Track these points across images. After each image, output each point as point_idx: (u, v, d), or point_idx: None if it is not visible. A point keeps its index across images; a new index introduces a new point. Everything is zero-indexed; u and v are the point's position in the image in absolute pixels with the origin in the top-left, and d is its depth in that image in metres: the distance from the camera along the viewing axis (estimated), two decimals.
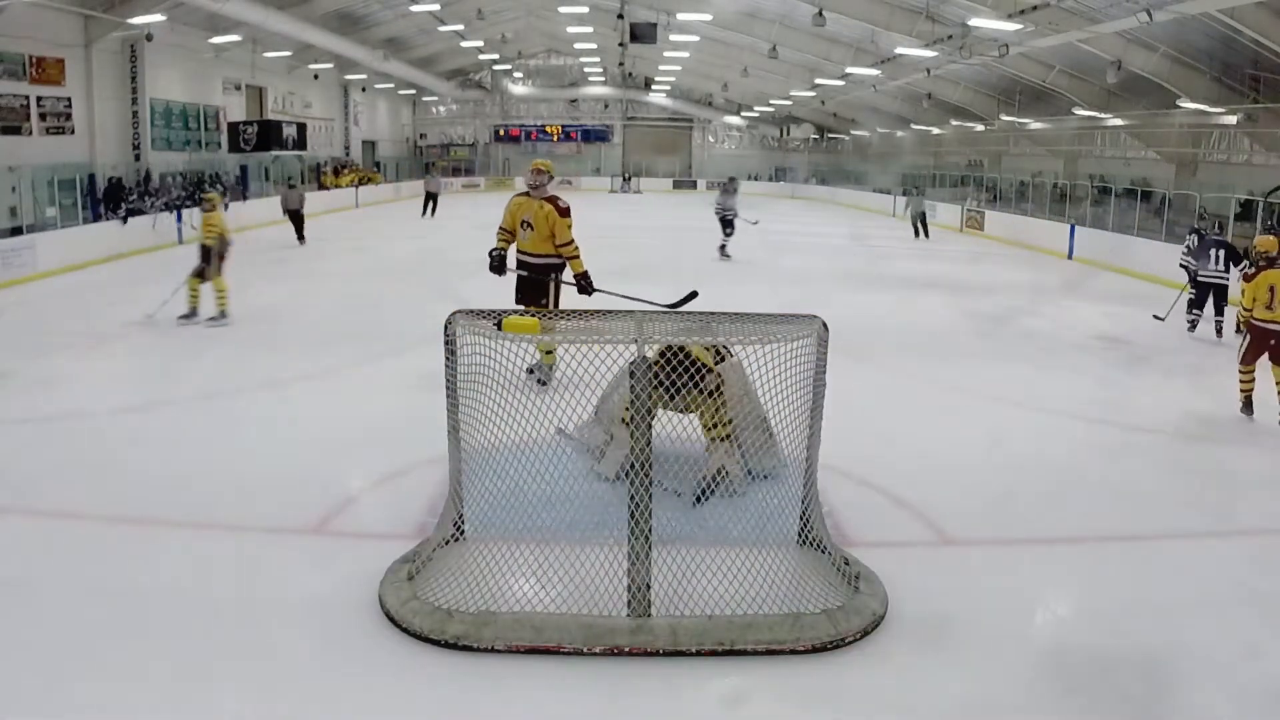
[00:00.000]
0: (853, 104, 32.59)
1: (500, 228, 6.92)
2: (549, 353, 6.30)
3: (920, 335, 9.73)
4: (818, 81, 27.74)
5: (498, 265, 6.80)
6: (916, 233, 21.37)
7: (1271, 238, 7.01)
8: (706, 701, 3.19)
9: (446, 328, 3.87)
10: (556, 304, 6.73)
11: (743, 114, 40.82)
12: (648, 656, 3.36)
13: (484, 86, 41.13)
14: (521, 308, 6.38)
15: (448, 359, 3.88)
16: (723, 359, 4.71)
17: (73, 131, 17.69)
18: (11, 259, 12.44)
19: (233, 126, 23.70)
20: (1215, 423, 6.78)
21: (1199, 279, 10.00)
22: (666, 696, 3.20)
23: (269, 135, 23.90)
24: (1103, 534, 4.62)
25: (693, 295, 5.84)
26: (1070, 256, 17.78)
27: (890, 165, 33.62)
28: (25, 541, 4.29)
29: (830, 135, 40.64)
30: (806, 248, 18.88)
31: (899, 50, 20.18)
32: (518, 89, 41.50)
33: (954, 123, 28.57)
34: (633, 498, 3.45)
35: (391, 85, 35.04)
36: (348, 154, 32.75)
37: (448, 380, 3.91)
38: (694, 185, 41.02)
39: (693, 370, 4.00)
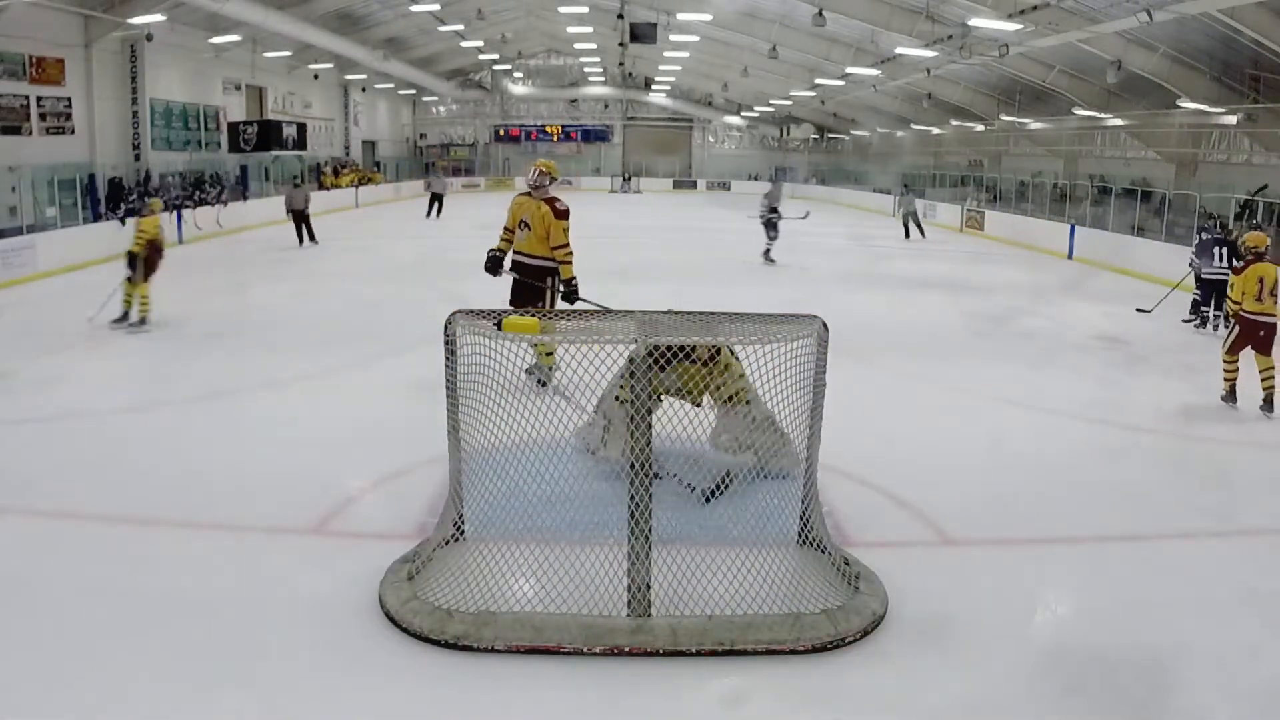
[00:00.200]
0: (853, 104, 32.59)
1: (504, 227, 6.91)
2: (548, 354, 6.28)
3: (920, 335, 9.73)
4: (818, 81, 27.75)
5: (491, 265, 6.77)
6: (908, 233, 21.04)
7: (1260, 234, 7.33)
8: (706, 701, 3.19)
9: (446, 328, 3.87)
10: (553, 307, 6.66)
11: (743, 114, 40.82)
12: (648, 656, 3.36)
13: (484, 86, 41.14)
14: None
15: (448, 359, 3.88)
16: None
17: (73, 131, 17.70)
18: (11, 259, 12.44)
19: (233, 126, 23.71)
20: (1215, 423, 6.78)
21: (1202, 276, 10.14)
22: (666, 696, 3.20)
23: (269, 135, 23.91)
24: (1103, 534, 4.62)
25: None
26: (1070, 256, 17.79)
27: (890, 165, 33.63)
28: (25, 541, 4.29)
29: (830, 135, 40.65)
30: (807, 248, 18.86)
31: (899, 50, 20.18)
32: (518, 89, 41.51)
33: (954, 123, 28.58)
34: (633, 498, 3.45)
35: (391, 85, 35.05)
36: (348, 154, 32.76)
37: (448, 380, 3.92)
38: (694, 185, 41.06)
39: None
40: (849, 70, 24.00)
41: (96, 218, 16.26)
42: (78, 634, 3.43)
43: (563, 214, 6.70)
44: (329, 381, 7.43)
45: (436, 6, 24.12)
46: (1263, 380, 6.92)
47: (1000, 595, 3.94)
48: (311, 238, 17.26)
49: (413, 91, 38.44)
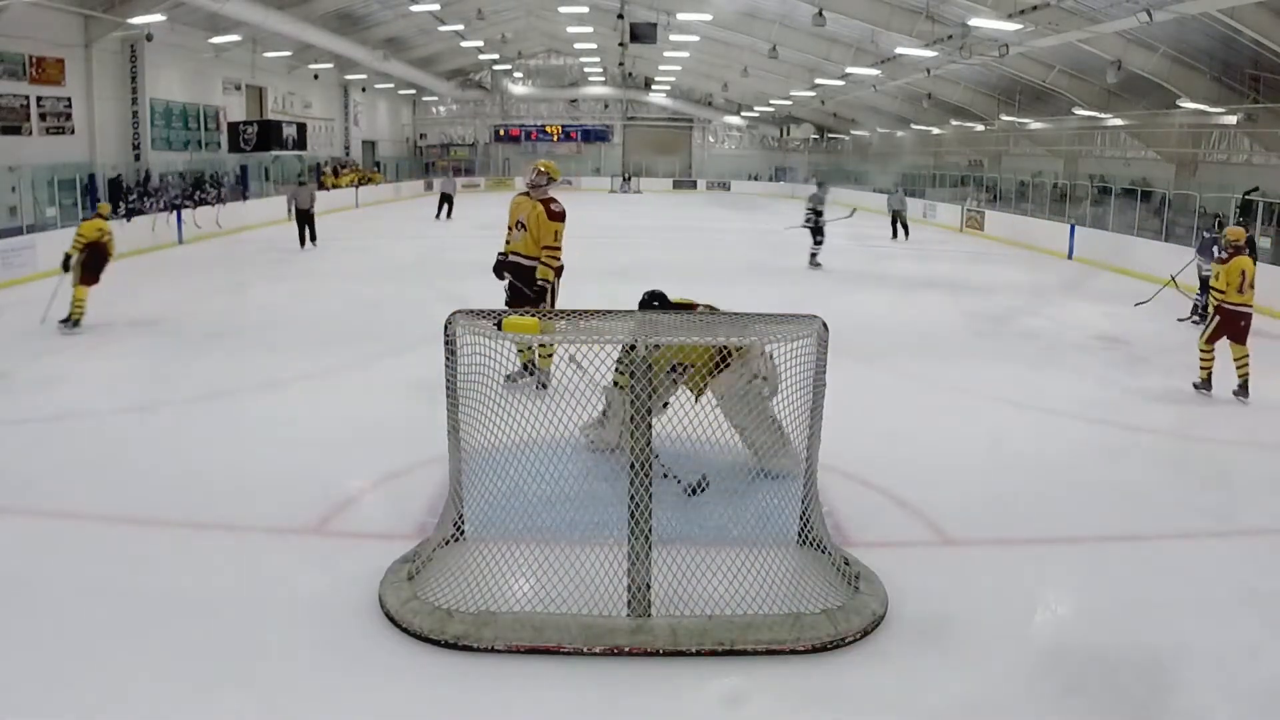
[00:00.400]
0: (853, 104, 32.59)
1: (508, 227, 6.87)
2: (547, 356, 6.23)
3: (920, 335, 9.73)
4: (818, 81, 27.75)
5: (497, 268, 6.71)
6: (895, 233, 20.68)
7: (1240, 228, 7.67)
8: (706, 701, 3.19)
9: (446, 328, 3.87)
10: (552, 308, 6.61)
11: (743, 114, 40.83)
12: (648, 656, 3.36)
13: (484, 86, 41.14)
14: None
15: (448, 359, 3.88)
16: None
17: (73, 131, 17.69)
18: (11, 259, 12.45)
19: (233, 126, 23.71)
20: (1215, 423, 6.78)
21: (1201, 274, 10.37)
22: (666, 696, 3.20)
23: (269, 135, 23.91)
24: (1103, 534, 4.62)
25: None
26: (1070, 256, 17.79)
27: (890, 165, 33.62)
28: (25, 541, 4.29)
29: (830, 135, 40.65)
30: (806, 247, 18.86)
31: (899, 50, 20.18)
32: (518, 89, 41.51)
33: (954, 123, 28.58)
34: (633, 498, 3.45)
35: (391, 85, 35.05)
36: (348, 154, 32.76)
37: (448, 380, 3.92)
38: (694, 185, 41.06)
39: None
40: (849, 70, 24.00)
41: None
42: (78, 634, 3.43)
43: (557, 216, 6.58)
44: (329, 381, 7.43)
45: (436, 6, 24.12)
46: (1238, 368, 7.24)
47: (1000, 595, 3.94)
48: (313, 239, 16.92)
49: (413, 91, 38.44)
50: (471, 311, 3.96)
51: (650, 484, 3.46)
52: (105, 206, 10.05)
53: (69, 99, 17.54)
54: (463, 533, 4.05)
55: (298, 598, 3.78)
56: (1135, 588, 4.06)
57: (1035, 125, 25.04)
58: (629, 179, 40.35)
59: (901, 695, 3.24)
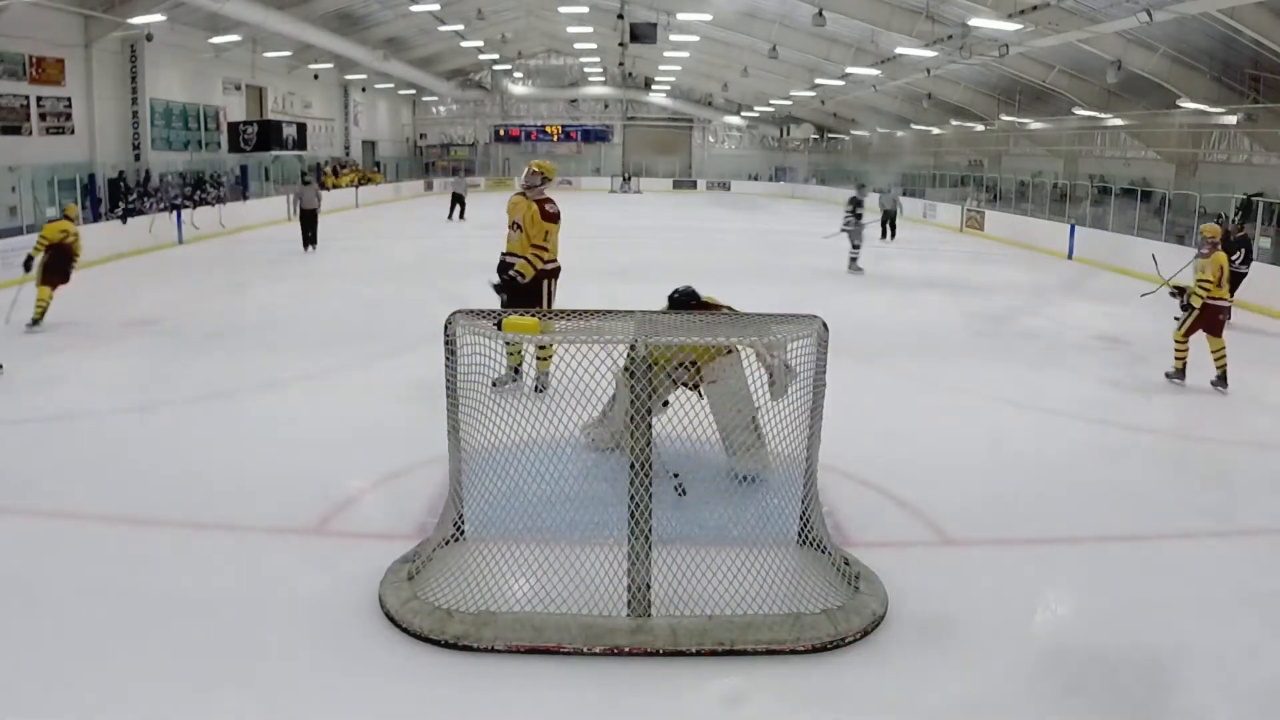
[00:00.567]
0: (853, 104, 32.60)
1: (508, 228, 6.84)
2: (545, 359, 6.18)
3: (920, 335, 9.73)
4: (818, 81, 27.76)
5: (501, 270, 6.70)
6: (884, 233, 19.89)
7: (1216, 225, 7.98)
8: (706, 701, 3.19)
9: (446, 328, 3.87)
10: (549, 309, 6.54)
11: (743, 114, 40.83)
12: (648, 656, 3.36)
13: (484, 86, 41.15)
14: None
15: (448, 359, 3.88)
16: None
17: (73, 131, 17.70)
18: (11, 259, 12.41)
19: (233, 126, 23.71)
20: (1215, 423, 6.79)
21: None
22: (666, 696, 3.20)
23: (269, 135, 23.91)
24: (1103, 534, 4.62)
25: None
26: (1070, 256, 17.79)
27: (890, 165, 33.62)
28: (25, 541, 4.29)
29: (830, 135, 40.65)
30: (806, 248, 18.86)
31: (899, 50, 20.18)
32: (518, 89, 41.51)
33: (954, 123, 28.58)
34: (633, 498, 3.45)
35: (391, 85, 35.06)
36: (348, 154, 32.77)
37: (448, 380, 3.92)
38: (694, 185, 41.07)
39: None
40: (849, 70, 24.01)
41: (96, 218, 16.26)
42: (78, 634, 3.43)
43: (550, 216, 6.52)
44: (329, 381, 7.43)
45: (436, 6, 24.12)
46: (1216, 360, 7.46)
47: (1000, 595, 3.94)
48: (313, 242, 16.42)
49: (413, 91, 38.45)
50: (471, 311, 3.96)
51: (650, 484, 3.46)
52: (72, 208, 10.04)
53: (69, 99, 17.55)
54: (463, 533, 4.05)
55: (298, 598, 3.78)
56: (1135, 588, 4.06)
57: (1035, 125, 25.05)
58: (629, 179, 40.35)
59: (901, 695, 3.24)
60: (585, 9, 24.60)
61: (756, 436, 4.59)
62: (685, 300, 5.13)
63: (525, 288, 6.55)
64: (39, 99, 16.76)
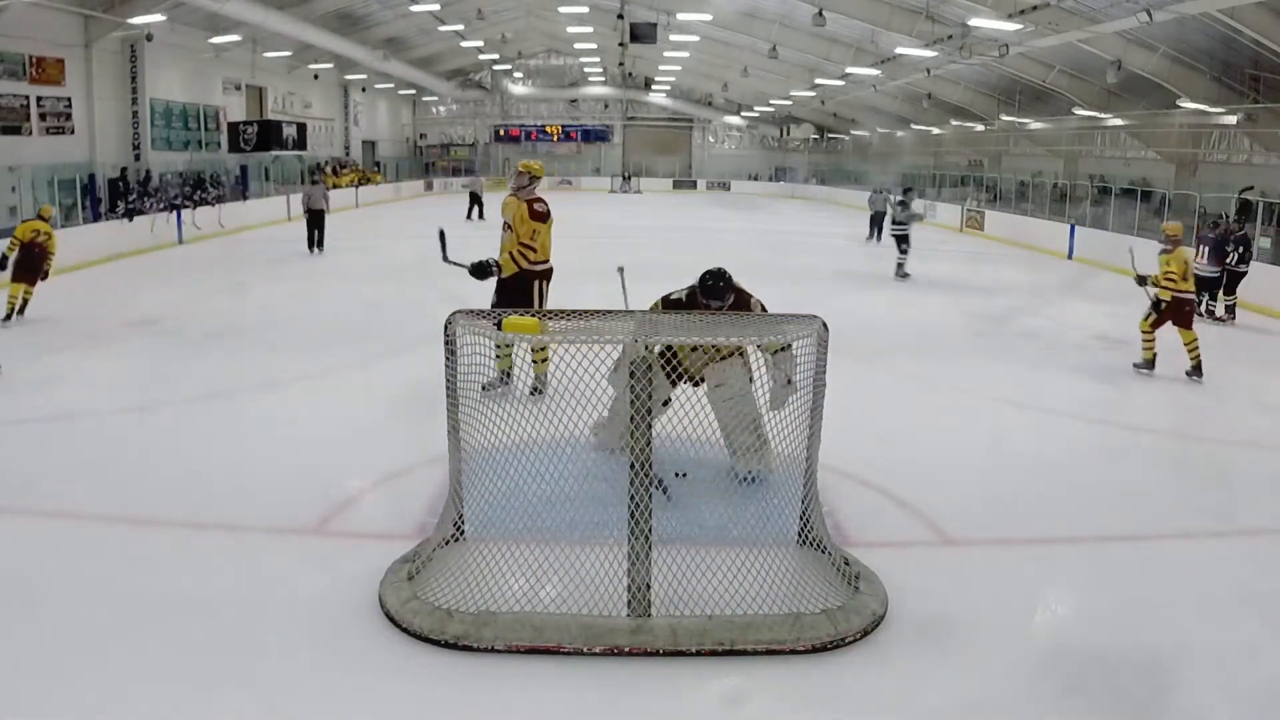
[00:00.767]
0: (853, 104, 32.60)
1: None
2: (542, 361, 6.13)
3: (920, 335, 9.73)
4: (818, 81, 27.76)
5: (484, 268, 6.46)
6: (870, 233, 19.73)
7: (1178, 224, 8.27)
8: (706, 701, 3.19)
9: (446, 328, 3.87)
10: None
11: (743, 114, 40.83)
12: (648, 656, 3.36)
13: (484, 86, 41.15)
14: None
15: (448, 359, 3.88)
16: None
17: (73, 131, 17.70)
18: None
19: (233, 126, 23.71)
20: (1215, 423, 6.78)
21: (1199, 273, 10.44)
22: (666, 696, 3.20)
23: (269, 135, 23.90)
24: (1103, 534, 4.62)
25: None
26: (1070, 256, 17.78)
27: (890, 165, 33.62)
28: (25, 541, 4.29)
29: (830, 135, 40.66)
30: (806, 248, 18.86)
31: (899, 50, 20.19)
32: (518, 89, 41.51)
33: (954, 123, 28.59)
34: (633, 498, 3.45)
35: (391, 85, 35.06)
36: (348, 154, 32.77)
37: (448, 380, 3.91)
38: (694, 185, 41.08)
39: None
40: (849, 70, 24.01)
41: (96, 218, 16.26)
42: (78, 634, 3.43)
43: (538, 216, 6.40)
44: (329, 381, 7.43)
45: (436, 6, 24.12)
46: (1189, 352, 7.73)
47: (1000, 595, 3.94)
48: (320, 244, 16.06)
49: (413, 91, 38.45)
50: (471, 311, 3.96)
51: (650, 484, 3.45)
52: (47, 209, 10.34)
53: (69, 99, 17.55)
54: (463, 533, 4.05)
55: (298, 598, 3.78)
56: (1135, 588, 4.06)
57: (1035, 125, 25.05)
58: (629, 179, 40.34)
59: (901, 695, 3.24)
60: (585, 9, 24.60)
61: (759, 437, 4.59)
62: (717, 282, 4.83)
63: (516, 290, 6.42)
64: (39, 99, 16.75)
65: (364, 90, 33.83)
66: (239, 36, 21.44)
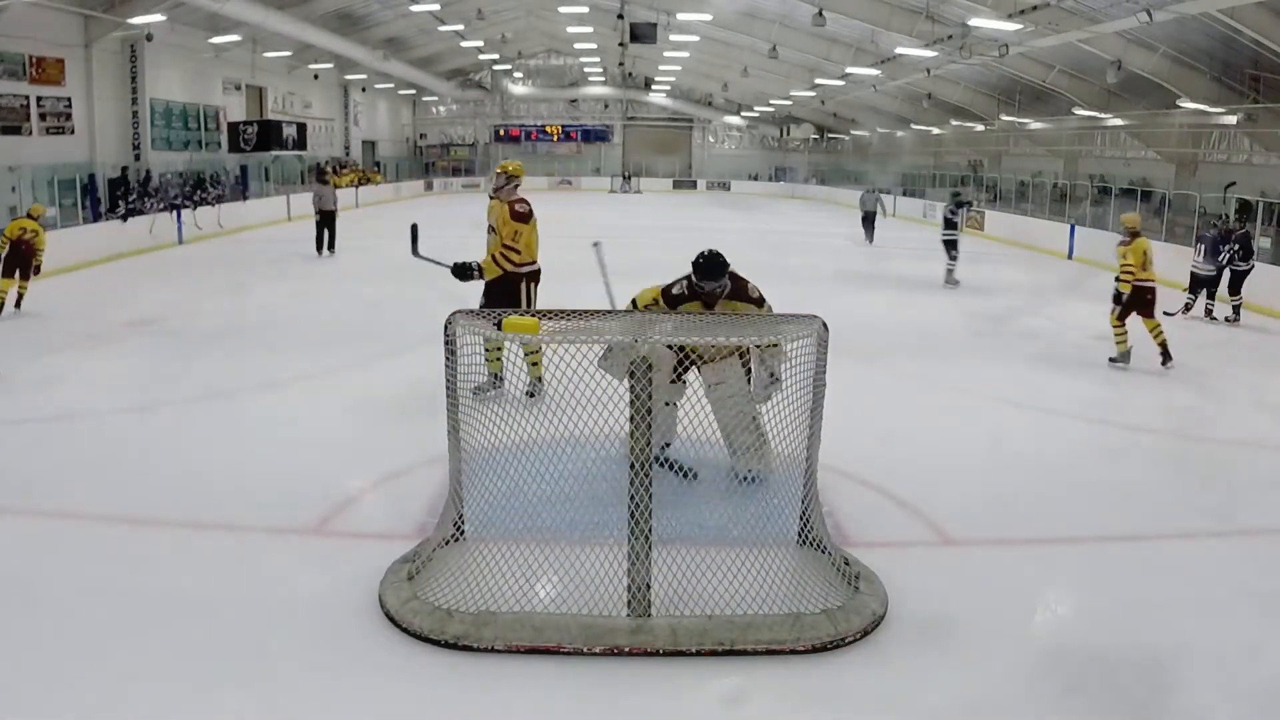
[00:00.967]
0: (853, 104, 32.60)
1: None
2: (535, 364, 6.08)
3: (920, 335, 9.73)
4: (818, 81, 27.76)
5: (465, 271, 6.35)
6: (867, 235, 19.26)
7: (1136, 215, 8.56)
8: (706, 701, 3.19)
9: (446, 328, 3.87)
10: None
11: (743, 114, 40.84)
12: (648, 656, 3.36)
13: (484, 86, 41.15)
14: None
15: (447, 359, 3.88)
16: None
17: (73, 131, 17.69)
18: None
19: (233, 126, 23.71)
20: (1215, 423, 6.78)
21: (1196, 271, 10.92)
22: (666, 696, 3.20)
23: (269, 135, 23.90)
24: (1103, 534, 4.62)
25: None
26: (1070, 256, 17.78)
27: (890, 165, 33.63)
28: (25, 541, 4.29)
29: (830, 135, 40.65)
30: (806, 248, 18.85)
31: (899, 50, 20.18)
32: (518, 89, 41.52)
33: (954, 123, 28.58)
34: (633, 498, 3.45)
35: (391, 85, 35.06)
36: (348, 154, 32.77)
37: (448, 380, 3.92)
38: (694, 185, 41.09)
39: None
40: (849, 70, 24.01)
41: (96, 217, 16.26)
42: (78, 634, 3.43)
43: (520, 216, 6.31)
44: (329, 381, 7.43)
45: (436, 6, 24.12)
46: (1155, 338, 8.01)
47: (1000, 595, 3.94)
48: (330, 247, 15.76)
49: (413, 91, 38.45)
50: (471, 311, 3.96)
51: (650, 484, 3.45)
52: (36, 208, 10.71)
53: (69, 99, 17.54)
54: (463, 533, 4.05)
55: (298, 598, 3.78)
56: (1135, 588, 4.06)
57: (1035, 125, 25.04)
58: (629, 179, 40.35)
59: (901, 695, 3.24)
60: (585, 9, 24.60)
61: (758, 436, 4.59)
62: (710, 261, 4.68)
63: (502, 293, 6.35)
64: (39, 99, 16.75)
65: (364, 90, 33.83)
66: (239, 36, 21.43)
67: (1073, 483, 5.32)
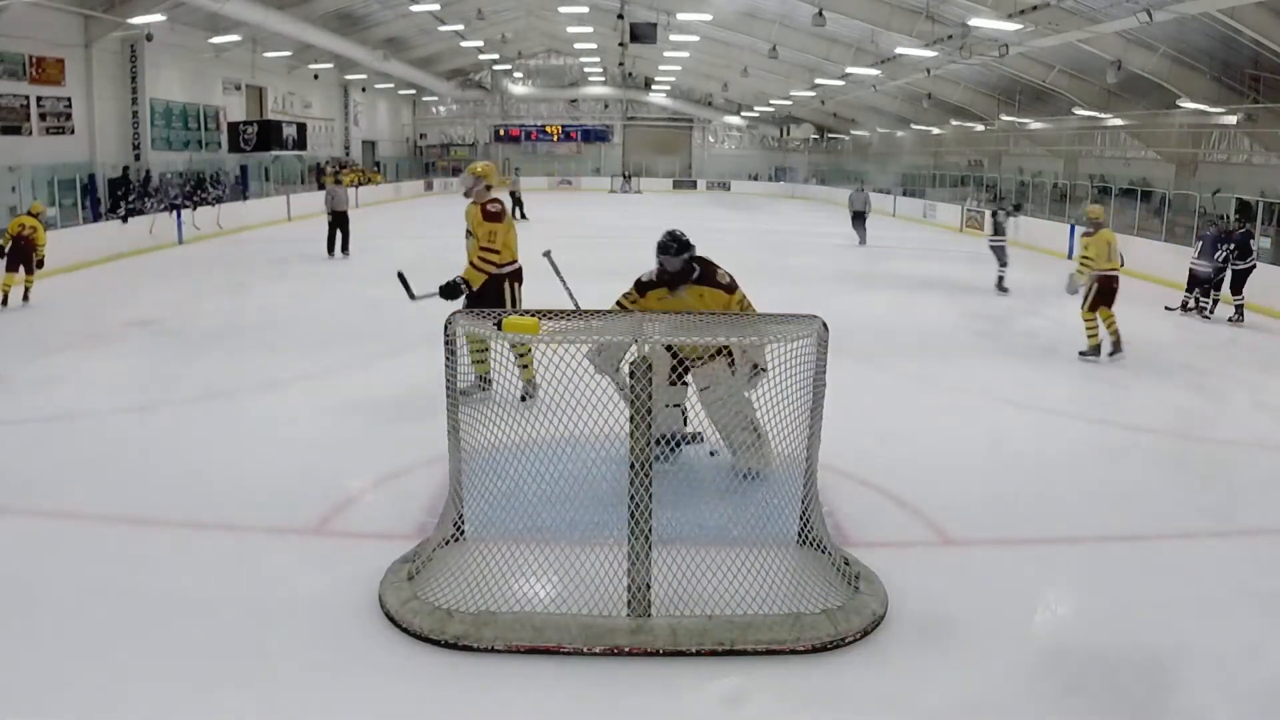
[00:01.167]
0: (853, 104, 32.60)
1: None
2: (526, 365, 6.05)
3: (920, 335, 9.73)
4: (818, 81, 27.76)
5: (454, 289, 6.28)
6: (859, 236, 18.94)
7: (1099, 207, 8.83)
8: (706, 701, 3.19)
9: (446, 328, 3.88)
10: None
11: (743, 114, 40.84)
12: (648, 656, 3.36)
13: (484, 86, 41.16)
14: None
15: (447, 359, 3.88)
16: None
17: (73, 131, 17.70)
18: None
19: (233, 126, 23.71)
20: (1215, 423, 6.78)
21: (1195, 270, 11.10)
22: (666, 696, 3.20)
23: (269, 135, 23.90)
24: (1103, 534, 4.62)
25: None
26: (1070, 256, 17.75)
27: (890, 165, 33.63)
28: (25, 541, 4.29)
29: (830, 135, 40.66)
30: (806, 248, 18.85)
31: (899, 50, 20.18)
32: (518, 89, 41.52)
33: (954, 123, 28.58)
34: (633, 498, 3.45)
35: (391, 85, 35.06)
36: (348, 154, 32.77)
37: (448, 380, 3.92)
38: (694, 185, 41.08)
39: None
40: (849, 70, 24.01)
41: (96, 217, 16.26)
42: (78, 634, 3.43)
43: (492, 216, 6.27)
44: (329, 381, 7.43)
45: (436, 6, 24.12)
46: (1108, 327, 8.24)
47: (1000, 595, 3.94)
48: (345, 248, 15.56)
49: (413, 91, 38.45)
50: (471, 312, 3.96)
51: (650, 484, 3.45)
52: (36, 205, 11.07)
53: (69, 99, 17.55)
54: (463, 533, 4.05)
55: (298, 598, 3.78)
56: (1135, 588, 4.06)
57: (1035, 125, 25.04)
58: (629, 179, 40.35)
59: (901, 695, 3.24)
60: (585, 9, 24.60)
61: (756, 434, 4.59)
62: (669, 241, 4.73)
63: (486, 296, 6.30)
64: (39, 99, 16.76)
65: (364, 90, 33.83)
66: (239, 36, 21.44)
67: (1073, 483, 5.32)
